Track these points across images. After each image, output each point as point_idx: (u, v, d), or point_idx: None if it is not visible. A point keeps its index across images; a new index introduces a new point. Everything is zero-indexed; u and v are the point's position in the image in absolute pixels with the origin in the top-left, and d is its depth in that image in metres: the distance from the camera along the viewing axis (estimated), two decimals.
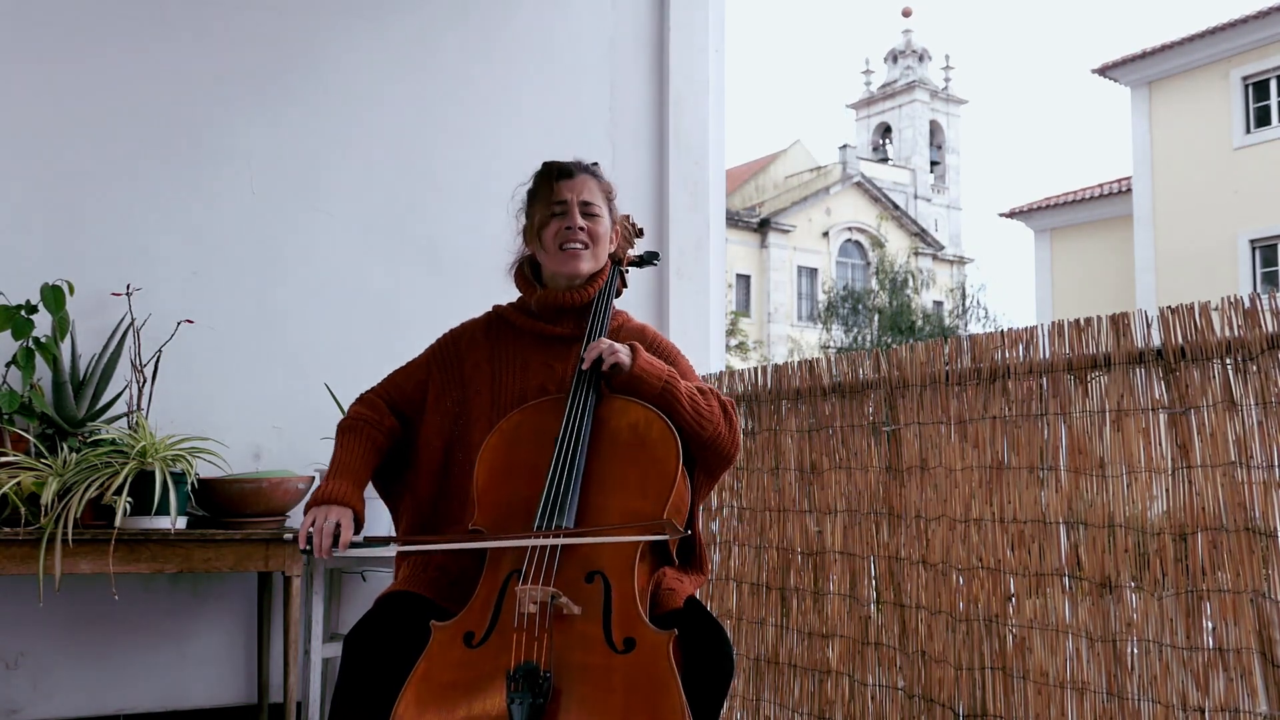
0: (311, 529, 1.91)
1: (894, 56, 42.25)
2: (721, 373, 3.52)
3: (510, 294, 2.24)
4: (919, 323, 26.12)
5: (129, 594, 3.34)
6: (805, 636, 3.02)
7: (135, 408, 3.19)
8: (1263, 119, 17.39)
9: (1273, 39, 17.07)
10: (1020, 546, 2.38)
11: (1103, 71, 19.17)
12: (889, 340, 25.20)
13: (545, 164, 2.19)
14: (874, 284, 28.90)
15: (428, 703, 1.68)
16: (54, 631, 3.30)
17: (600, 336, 2.07)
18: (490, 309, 2.25)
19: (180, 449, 2.96)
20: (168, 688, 3.44)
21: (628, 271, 2.32)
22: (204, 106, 3.60)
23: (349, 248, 3.76)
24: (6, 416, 2.97)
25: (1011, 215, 21.88)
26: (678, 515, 1.91)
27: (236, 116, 3.65)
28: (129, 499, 2.78)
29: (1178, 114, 18.21)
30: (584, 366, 1.98)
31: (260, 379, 3.58)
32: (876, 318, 26.71)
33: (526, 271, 2.20)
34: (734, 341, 28.15)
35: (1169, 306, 2.10)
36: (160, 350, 3.29)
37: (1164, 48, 18.29)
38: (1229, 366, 2.00)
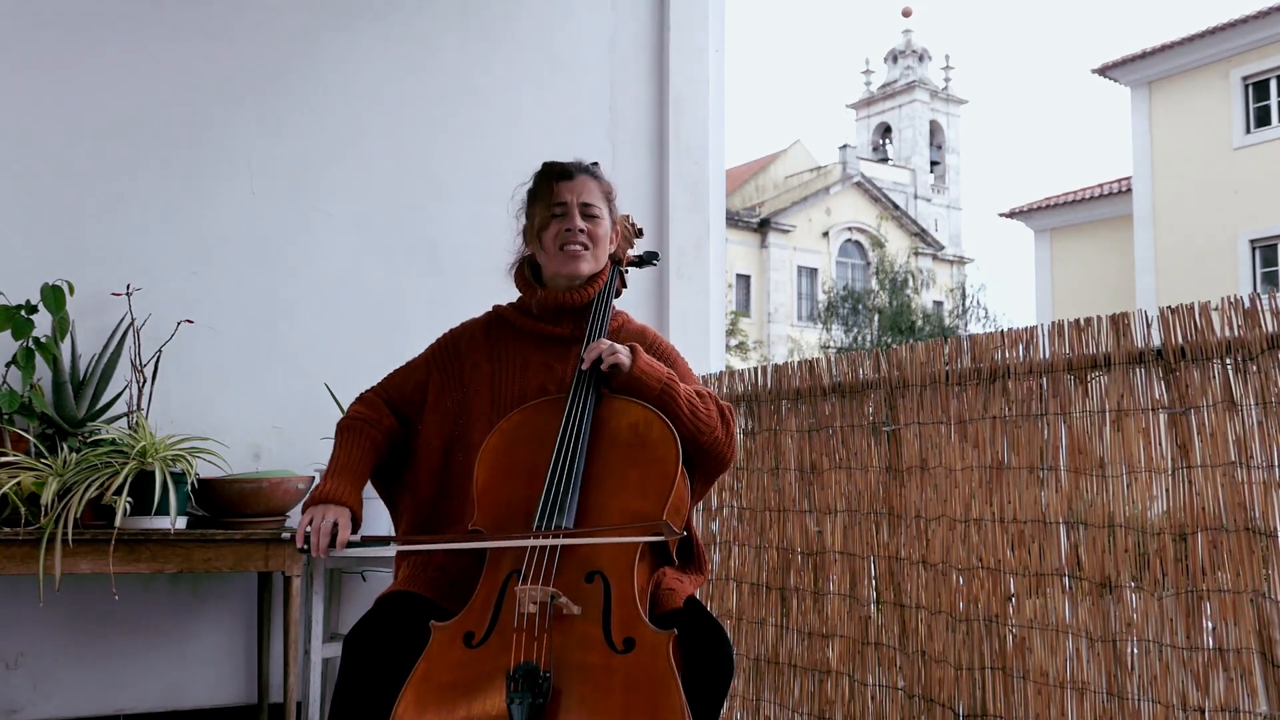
0: (309, 528, 1.92)
1: (894, 56, 42.25)
2: (721, 373, 3.52)
3: (510, 294, 2.24)
4: (919, 323, 26.11)
5: (129, 594, 3.34)
6: (805, 636, 3.02)
7: (135, 408, 3.19)
8: (1263, 119, 17.38)
9: (1273, 39, 17.06)
10: (1020, 546, 2.38)
11: (1103, 71, 19.17)
12: (889, 340, 25.19)
13: (545, 164, 2.19)
14: (874, 284, 28.90)
15: (428, 703, 1.68)
16: (54, 631, 3.30)
17: (600, 337, 2.08)
18: (490, 309, 2.25)
19: (180, 449, 2.96)
20: (168, 688, 3.44)
21: (627, 272, 2.32)
22: (204, 106, 3.60)
23: (349, 248, 3.76)
24: (6, 416, 2.97)
25: (1011, 215, 21.88)
26: (677, 515, 1.91)
27: (237, 116, 3.65)
28: (129, 499, 2.78)
29: (1178, 114, 18.21)
30: (583, 367, 1.98)
31: (260, 379, 3.58)
32: (876, 318, 26.71)
33: (526, 272, 2.20)
34: (734, 341, 28.15)
35: (1169, 306, 2.10)
36: (160, 350, 3.29)
37: (1164, 48, 18.29)
38: (1229, 366, 2.00)
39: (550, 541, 1.78)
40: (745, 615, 3.26)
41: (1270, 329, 1.93)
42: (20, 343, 3.04)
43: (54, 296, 3.09)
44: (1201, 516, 2.03)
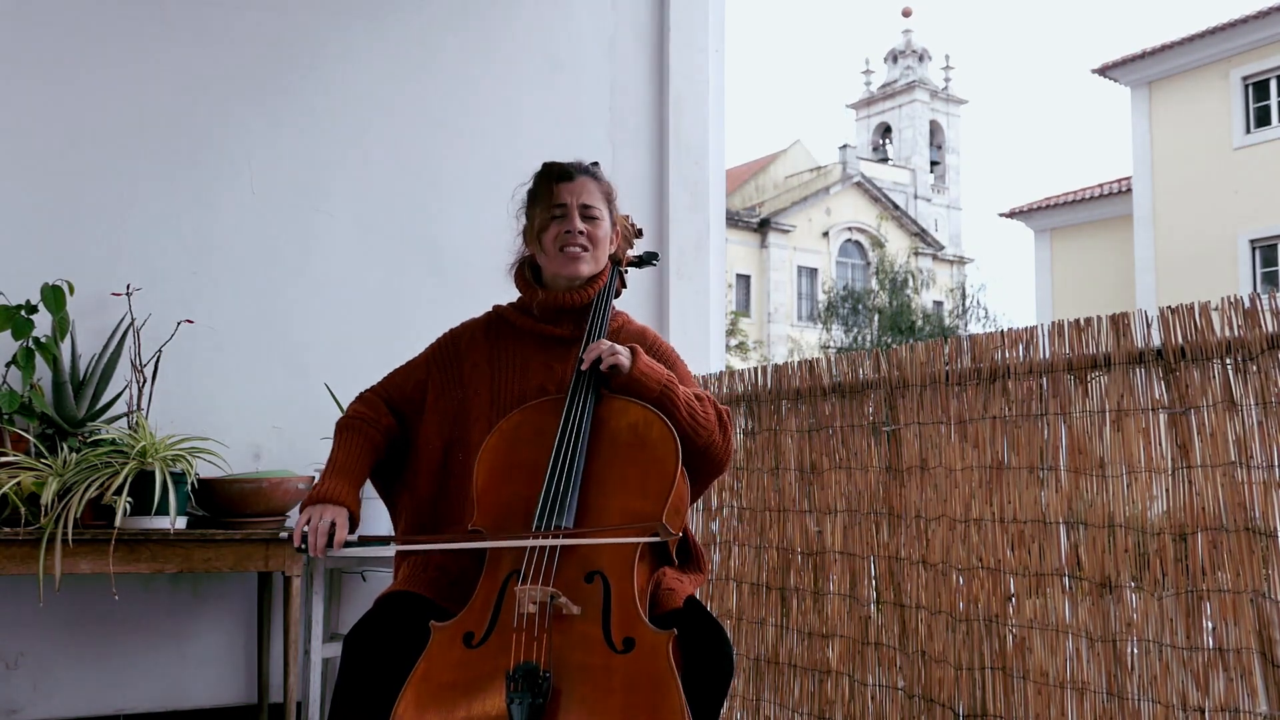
0: (306, 528, 1.92)
1: (894, 56, 42.24)
2: (721, 373, 3.52)
3: (510, 294, 2.24)
4: (919, 323, 26.11)
5: (129, 594, 3.34)
6: (805, 636, 3.02)
7: (135, 408, 3.19)
8: (1263, 119, 17.38)
9: (1273, 39, 17.06)
10: (1020, 546, 2.38)
11: (1103, 71, 19.16)
12: (889, 340, 25.19)
13: (545, 165, 2.19)
14: (874, 284, 28.89)
15: (427, 703, 1.68)
16: (54, 631, 3.30)
17: (600, 337, 2.08)
18: (490, 309, 2.25)
19: (180, 449, 2.96)
20: (168, 688, 3.44)
21: (627, 272, 2.32)
22: (204, 107, 3.61)
23: (349, 248, 3.76)
24: (6, 416, 2.97)
25: (1011, 215, 21.88)
26: (677, 515, 1.91)
27: (237, 117, 3.65)
28: (129, 499, 2.78)
29: (1178, 114, 18.21)
30: (583, 367, 1.98)
31: (260, 379, 3.58)
32: (876, 318, 26.71)
33: (526, 273, 2.20)
34: (734, 341, 28.15)
35: (1169, 306, 2.10)
36: (160, 350, 3.29)
37: (1164, 48, 18.29)
38: (1229, 366, 2.00)
39: (544, 542, 1.78)
40: (745, 615, 3.26)
41: (1270, 329, 1.93)
42: (20, 343, 3.04)
43: (54, 296, 3.09)
44: (1201, 516, 2.03)
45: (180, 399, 3.37)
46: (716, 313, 4.30)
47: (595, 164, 2.22)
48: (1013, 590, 2.40)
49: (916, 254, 35.32)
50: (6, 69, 3.38)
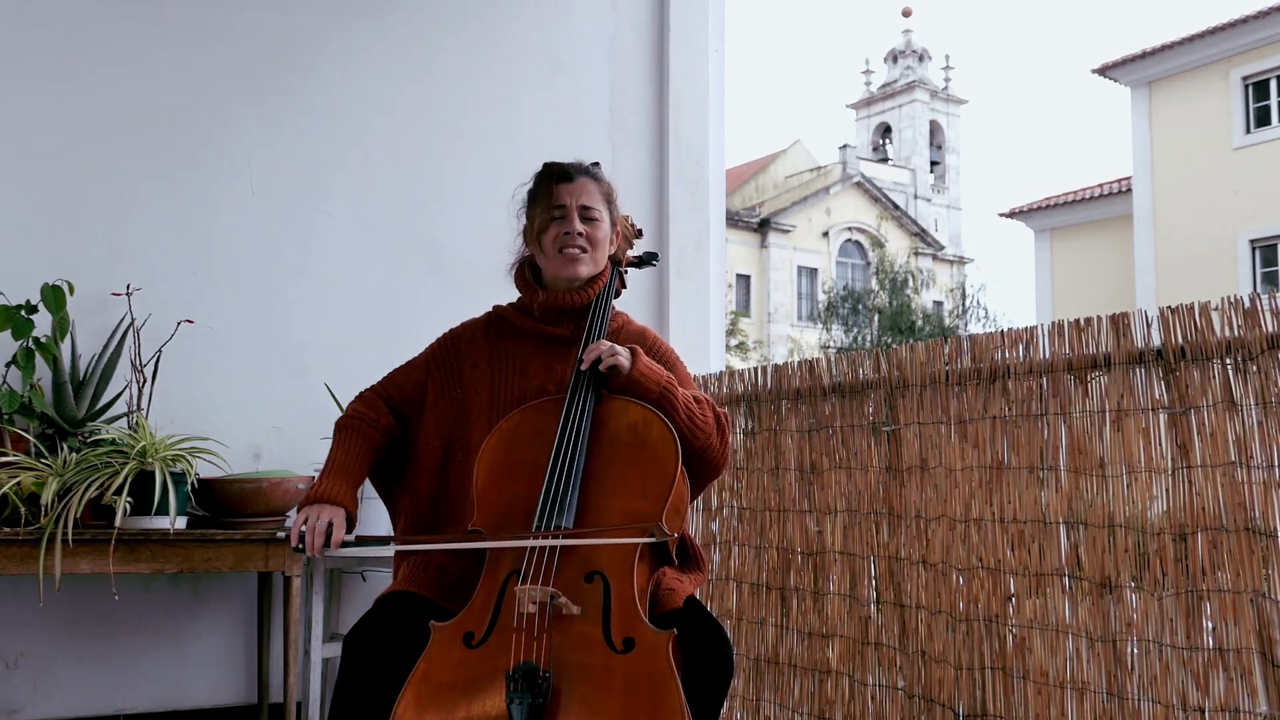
0: (304, 527, 1.92)
1: (894, 56, 42.24)
2: (721, 373, 3.52)
3: (510, 294, 2.24)
4: (919, 323, 26.11)
5: (129, 594, 3.34)
6: (805, 636, 3.02)
7: (135, 408, 3.19)
8: (1263, 119, 17.38)
9: (1273, 39, 17.06)
10: (1020, 546, 2.38)
11: (1103, 71, 19.16)
12: (889, 340, 25.19)
13: (545, 165, 2.19)
14: (874, 284, 28.89)
15: (427, 703, 1.68)
16: (54, 631, 3.30)
17: (600, 338, 2.08)
18: (490, 309, 2.25)
19: (180, 449, 2.97)
20: (168, 688, 3.44)
21: (626, 272, 2.32)
22: (204, 106, 3.61)
23: (349, 248, 3.76)
24: (6, 416, 2.97)
25: (1011, 215, 21.88)
26: (677, 515, 1.91)
27: (237, 117, 3.65)
28: (129, 499, 2.78)
29: (1178, 114, 18.21)
30: (582, 367, 1.98)
31: (260, 379, 3.58)
32: (876, 318, 26.71)
33: (526, 273, 2.20)
34: (734, 341, 28.14)
35: (1169, 306, 2.10)
36: (160, 350, 3.29)
37: (1164, 48, 18.29)
38: (1229, 366, 2.00)
39: (539, 542, 1.78)
40: (745, 615, 3.26)
41: (1270, 329, 1.93)
42: (20, 343, 3.04)
43: (54, 296, 3.09)
44: (1201, 516, 2.03)
45: (180, 399, 3.37)
46: (716, 313, 4.30)
47: (596, 164, 2.22)
48: (1013, 590, 2.40)
49: (916, 254, 35.32)
50: (7, 69, 3.38)
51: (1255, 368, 1.96)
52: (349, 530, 1.97)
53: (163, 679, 3.44)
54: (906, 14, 42.69)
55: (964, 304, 27.43)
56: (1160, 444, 2.11)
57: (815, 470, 3.01)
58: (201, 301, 3.51)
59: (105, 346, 3.25)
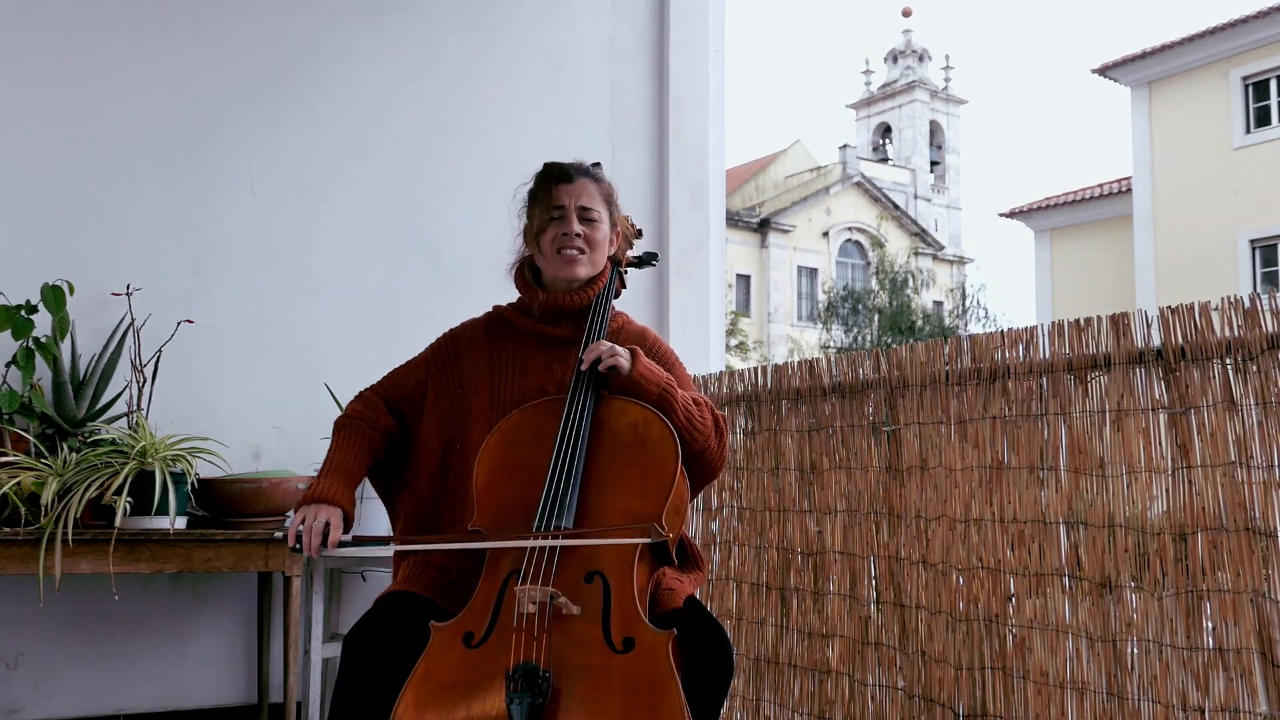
0: (301, 527, 1.92)
1: (894, 56, 42.24)
2: (721, 373, 3.52)
3: (510, 294, 2.24)
4: (919, 323, 26.10)
5: (129, 594, 3.34)
6: (805, 636, 3.02)
7: (135, 408, 3.19)
8: (1263, 119, 17.38)
9: (1273, 39, 17.06)
10: (1020, 546, 2.38)
11: (1103, 71, 19.16)
12: (889, 340, 25.19)
13: (546, 165, 2.19)
14: (874, 284, 28.89)
15: (427, 703, 1.68)
16: (54, 631, 3.30)
17: (600, 338, 2.08)
18: (490, 309, 2.25)
19: (180, 449, 2.97)
20: (168, 688, 3.44)
21: (627, 272, 2.32)
22: (205, 107, 3.60)
23: (349, 248, 3.76)
24: (6, 416, 2.97)
25: (1011, 215, 21.88)
26: (677, 515, 1.91)
27: (237, 117, 3.65)
28: (129, 499, 2.78)
29: (1178, 114, 18.21)
30: (582, 368, 1.98)
31: (260, 379, 3.58)
32: (876, 318, 26.71)
33: (526, 273, 2.20)
34: (734, 341, 28.14)
35: (1169, 306, 2.10)
36: (160, 350, 3.29)
37: (1164, 48, 18.29)
38: (1229, 366, 2.00)
39: (534, 543, 1.78)
40: (745, 615, 3.26)
41: (1270, 329, 1.93)
42: (20, 343, 3.04)
43: (54, 296, 3.09)
44: (1201, 516, 2.03)
45: (180, 399, 3.37)
46: (716, 313, 4.30)
47: (597, 165, 2.22)
48: (1013, 590, 2.40)
49: (916, 254, 35.32)
50: (7, 69, 3.38)
51: (1255, 368, 1.96)
52: (346, 530, 1.97)
53: (163, 679, 3.44)
54: (906, 14, 42.69)
55: (964, 304, 27.43)
56: (1160, 444, 2.11)
57: (815, 470, 3.01)
58: (201, 301, 3.51)
59: (105, 346, 3.25)
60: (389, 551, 2.85)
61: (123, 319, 3.29)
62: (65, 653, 3.32)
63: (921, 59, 41.86)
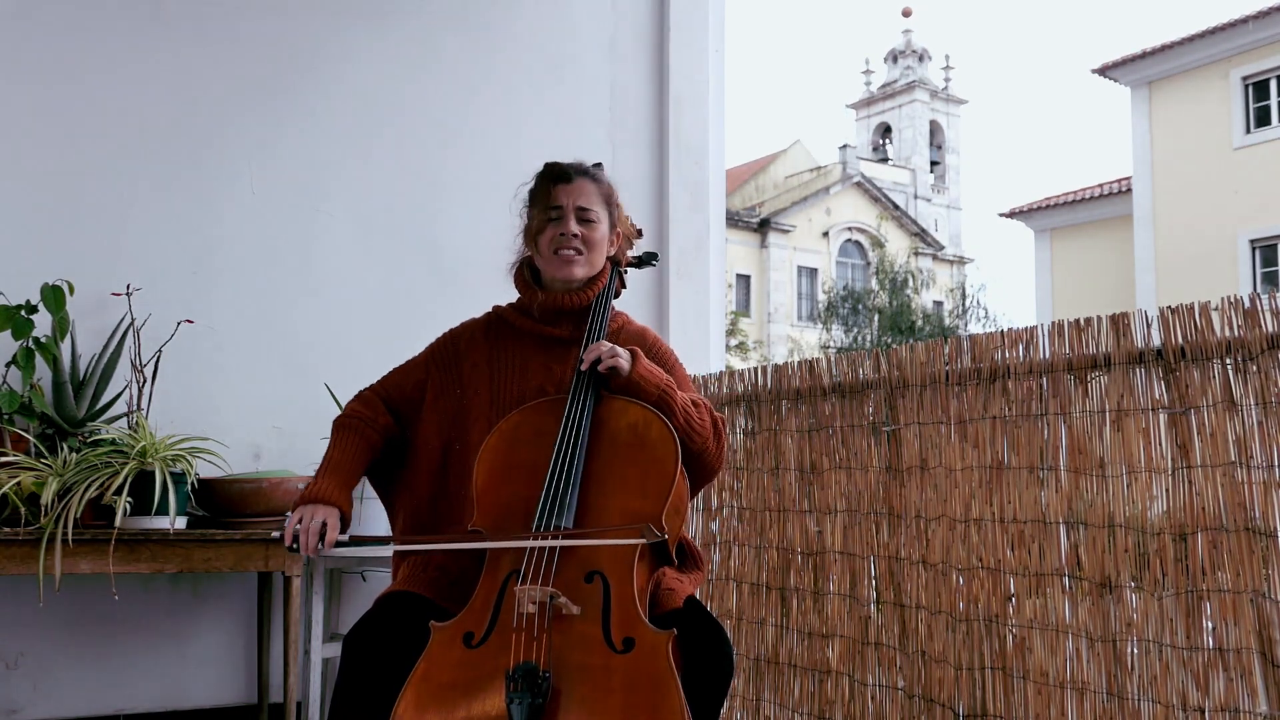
0: (298, 527, 1.92)
1: (894, 56, 42.24)
2: (721, 373, 3.52)
3: (510, 294, 2.24)
4: (919, 323, 26.11)
5: (129, 594, 3.34)
6: (805, 636, 3.02)
7: (135, 408, 3.19)
8: (1263, 119, 17.38)
9: (1273, 39, 17.06)
10: (1020, 546, 2.38)
11: (1103, 71, 19.16)
12: (889, 340, 25.19)
13: (546, 165, 2.19)
14: (874, 284, 28.89)
15: (427, 703, 1.68)
16: (54, 631, 3.30)
17: (600, 339, 2.08)
18: (490, 309, 2.25)
19: (180, 449, 2.96)
20: (168, 688, 3.44)
21: (626, 272, 2.32)
22: (205, 107, 3.60)
23: (349, 248, 3.76)
24: (6, 416, 2.97)
25: (1011, 215, 21.88)
26: (677, 515, 1.92)
27: (237, 117, 3.65)
28: (129, 499, 2.78)
29: (1178, 114, 18.21)
30: (582, 368, 1.98)
31: (260, 379, 3.58)
32: (876, 318, 26.71)
33: (525, 273, 2.20)
34: (734, 341, 28.14)
35: (1169, 306, 2.10)
36: (160, 350, 3.29)
37: (1164, 48, 18.29)
38: (1229, 366, 2.00)
39: (531, 543, 1.78)
40: (745, 615, 3.26)
41: (1270, 329, 1.93)
42: (20, 343, 3.04)
43: (54, 296, 3.09)
44: (1201, 516, 2.03)
45: (180, 399, 3.37)
46: (716, 313, 4.30)
47: (598, 165, 2.22)
48: (1013, 590, 2.40)
49: (916, 254, 35.32)
50: (7, 69, 3.38)
51: (1255, 368, 1.96)
52: (343, 530, 1.98)
53: (163, 679, 3.44)
54: (906, 14, 42.69)
55: (964, 304, 27.43)
56: (1160, 444, 2.11)
57: (815, 470, 3.01)
58: (201, 301, 3.51)
59: (105, 346, 3.25)
60: (389, 551, 2.85)
61: (123, 319, 3.29)
62: (65, 653, 3.32)
63: (921, 59, 41.85)
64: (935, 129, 41.18)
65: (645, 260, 2.35)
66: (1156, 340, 2.12)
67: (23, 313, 3.06)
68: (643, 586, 1.82)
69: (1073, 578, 2.26)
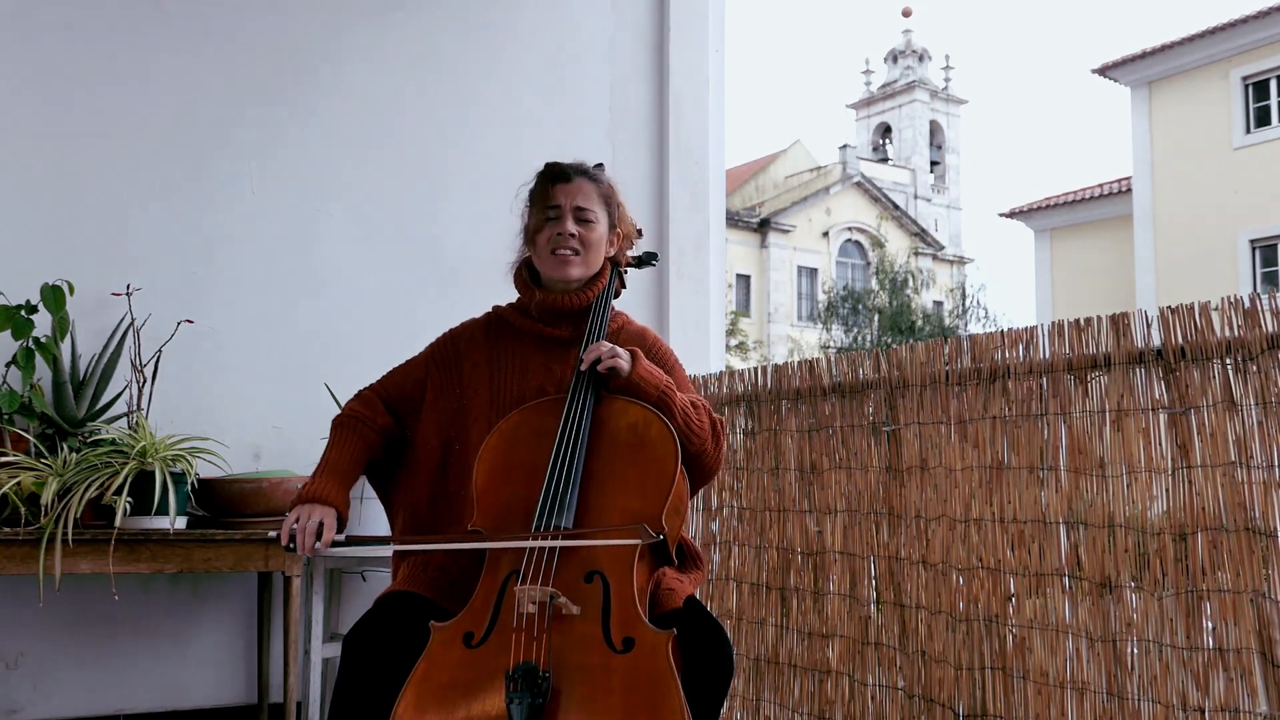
0: (295, 526, 1.92)
1: (894, 56, 42.24)
2: (721, 373, 3.52)
3: (510, 294, 2.24)
4: (919, 323, 26.11)
5: (129, 594, 3.34)
6: (805, 636, 3.02)
7: (135, 408, 3.19)
8: (1263, 119, 17.38)
9: (1273, 39, 17.06)
10: (1020, 546, 2.38)
11: (1103, 71, 19.17)
12: (889, 340, 25.19)
13: (546, 165, 2.19)
14: (874, 284, 28.89)
15: (427, 703, 1.68)
16: (54, 631, 3.30)
17: (600, 339, 2.08)
18: (490, 309, 2.25)
19: (180, 449, 2.96)
20: (168, 688, 3.44)
21: (626, 272, 2.32)
22: (205, 107, 3.60)
23: (349, 248, 3.76)
24: (6, 416, 2.97)
25: (1011, 215, 21.88)
26: (676, 515, 1.92)
27: (237, 116, 3.65)
28: (129, 499, 2.78)
29: (1178, 114, 18.21)
30: (582, 368, 1.98)
31: (260, 379, 3.58)
32: (876, 318, 26.71)
33: (524, 273, 2.20)
34: (734, 341, 28.14)
35: (1169, 306, 2.10)
36: (160, 350, 3.29)
37: (1164, 48, 18.29)
38: (1229, 366, 2.00)
39: (531, 543, 1.78)
40: (745, 615, 3.26)
41: (1270, 329, 1.93)
42: (20, 343, 3.04)
43: (54, 296, 3.09)
44: (1201, 516, 2.03)
45: (180, 399, 3.37)
46: (716, 313, 4.30)
47: (599, 166, 2.22)
48: (1013, 590, 2.40)
49: (916, 254, 35.32)
50: (7, 69, 3.38)
51: (1255, 368, 1.96)
52: (340, 530, 1.97)
53: (163, 679, 3.44)
54: (906, 14, 42.69)
55: (964, 304, 27.43)
56: (1160, 444, 2.11)
57: (815, 470, 3.01)
58: (201, 301, 3.51)
59: (105, 346, 3.25)
60: (389, 551, 2.85)
61: (123, 319, 3.29)
62: (65, 653, 3.32)
63: (921, 59, 41.85)
64: (935, 129, 41.18)
65: (645, 260, 2.35)
66: (1156, 340, 2.12)
67: (23, 313, 3.06)
68: (643, 586, 1.82)
69: (1073, 578, 2.26)
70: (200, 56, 3.61)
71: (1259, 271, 17.25)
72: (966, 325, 26.96)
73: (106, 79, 3.49)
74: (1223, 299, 2.01)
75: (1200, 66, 17.97)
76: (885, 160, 40.42)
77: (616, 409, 1.97)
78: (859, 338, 26.36)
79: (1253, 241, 17.25)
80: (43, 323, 3.10)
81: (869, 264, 33.88)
